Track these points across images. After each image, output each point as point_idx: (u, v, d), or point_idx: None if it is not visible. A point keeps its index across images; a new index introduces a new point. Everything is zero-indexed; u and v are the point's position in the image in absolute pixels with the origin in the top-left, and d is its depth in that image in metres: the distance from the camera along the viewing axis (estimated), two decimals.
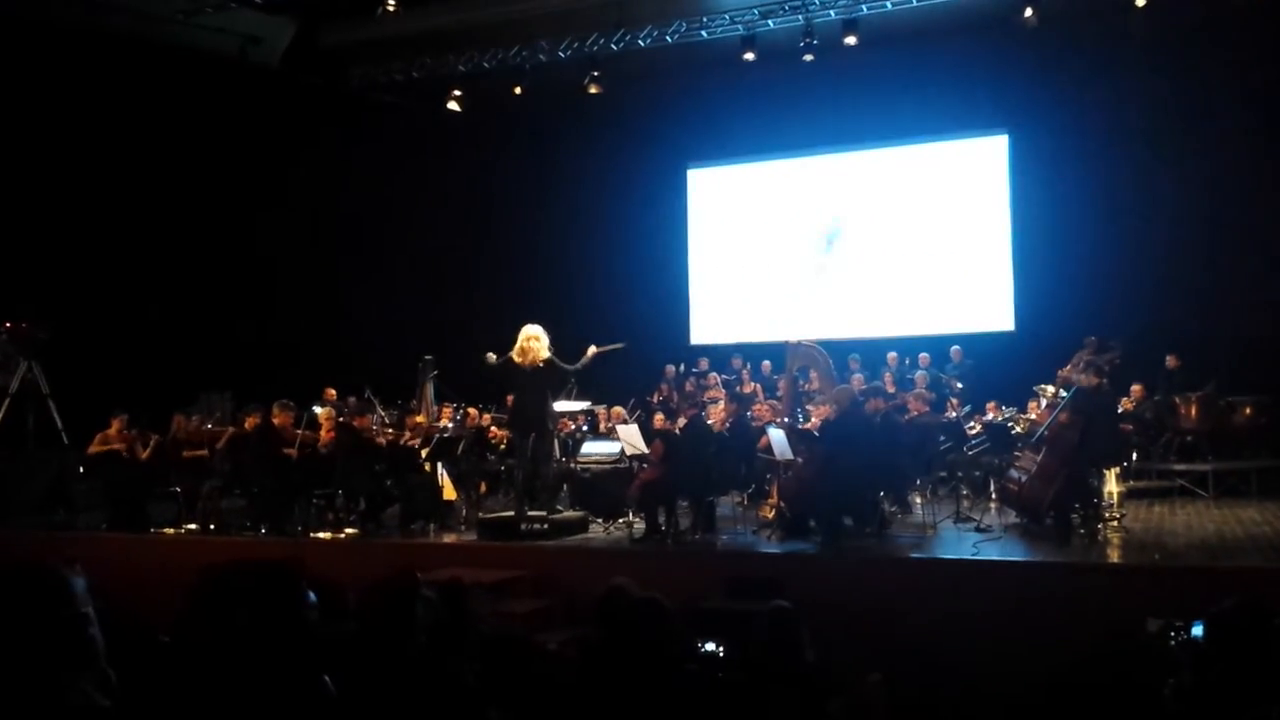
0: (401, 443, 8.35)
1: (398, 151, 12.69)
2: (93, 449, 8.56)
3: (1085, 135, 10.79)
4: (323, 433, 8.30)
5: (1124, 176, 10.60)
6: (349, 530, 7.84)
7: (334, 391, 9.87)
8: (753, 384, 10.81)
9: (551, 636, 5.17)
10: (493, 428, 9.24)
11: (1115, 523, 7.00)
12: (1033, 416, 8.11)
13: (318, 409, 8.79)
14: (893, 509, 7.73)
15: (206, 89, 10.99)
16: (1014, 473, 7.28)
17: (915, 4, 10.02)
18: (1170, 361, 9.60)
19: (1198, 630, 3.59)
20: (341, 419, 8.42)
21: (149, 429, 8.70)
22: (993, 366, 10.37)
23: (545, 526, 7.14)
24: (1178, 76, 10.17)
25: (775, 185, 12.79)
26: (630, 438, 7.74)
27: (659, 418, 9.07)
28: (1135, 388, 9.15)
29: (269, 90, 11.50)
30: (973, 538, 6.76)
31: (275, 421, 8.13)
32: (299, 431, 8.11)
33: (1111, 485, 7.51)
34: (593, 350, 7.46)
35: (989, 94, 11.25)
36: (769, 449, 7.27)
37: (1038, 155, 11.27)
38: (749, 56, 10.54)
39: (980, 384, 9.95)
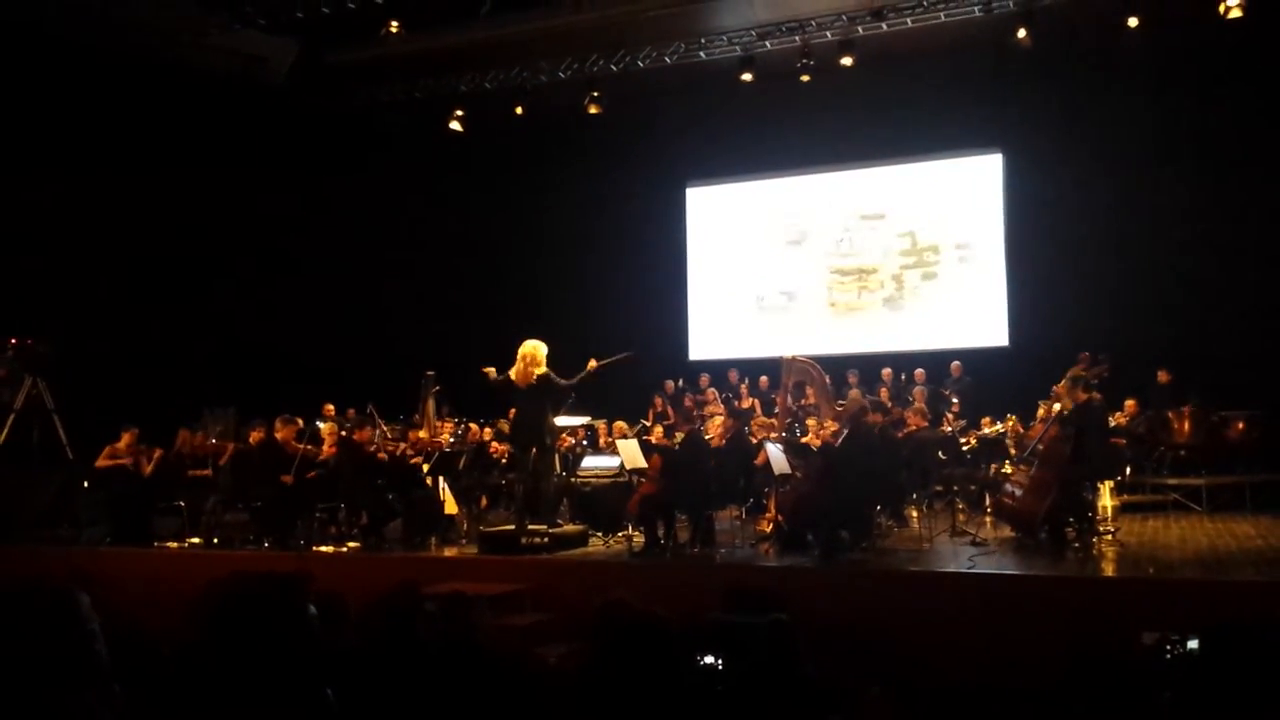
0: (402, 456, 8.41)
1: (400, 170, 12.81)
2: (101, 462, 8.61)
3: (1078, 154, 10.91)
4: (325, 447, 8.37)
5: (1116, 194, 10.71)
6: (351, 544, 7.89)
7: (332, 407, 9.95)
8: (750, 399, 10.88)
9: (551, 650, 5.21)
10: (493, 443, 9.31)
11: (1109, 537, 7.05)
12: (1017, 430, 8.19)
13: (321, 424, 8.87)
14: (889, 523, 7.78)
15: (211, 107, 11.12)
16: (1009, 487, 7.34)
17: (910, 25, 10.17)
18: (1161, 376, 9.67)
19: (1193, 644, 3.63)
20: (343, 434, 8.49)
21: (154, 444, 8.76)
22: (988, 382, 10.45)
23: (545, 540, 7.18)
24: (1169, 95, 10.30)
25: (773, 203, 12.91)
26: (630, 453, 7.80)
27: (658, 432, 9.13)
28: (1128, 402, 9.22)
29: (273, 109, 11.63)
30: (968, 551, 6.80)
31: (278, 436, 8.20)
32: (301, 446, 8.18)
33: (1106, 499, 7.57)
34: (593, 364, 7.49)
35: (983, 113, 11.39)
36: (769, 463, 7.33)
37: (1031, 174, 11.39)
38: (747, 77, 10.69)
39: (976, 399, 10.03)
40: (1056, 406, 7.87)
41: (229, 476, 8.37)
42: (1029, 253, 11.33)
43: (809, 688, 3.70)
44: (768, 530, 7.37)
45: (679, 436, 8.62)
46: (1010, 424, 8.52)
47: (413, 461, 8.35)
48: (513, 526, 7.47)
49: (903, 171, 12.23)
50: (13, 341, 9.86)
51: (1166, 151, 10.34)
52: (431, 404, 9.50)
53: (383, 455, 8.29)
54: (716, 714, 3.27)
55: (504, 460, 9.10)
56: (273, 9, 10.18)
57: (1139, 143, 10.49)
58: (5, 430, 9.62)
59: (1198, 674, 3.06)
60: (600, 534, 7.86)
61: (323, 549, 7.75)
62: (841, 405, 8.79)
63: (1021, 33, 9.52)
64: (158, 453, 8.71)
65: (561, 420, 8.05)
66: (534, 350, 7.37)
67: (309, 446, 8.24)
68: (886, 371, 10.77)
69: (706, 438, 7.92)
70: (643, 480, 7.66)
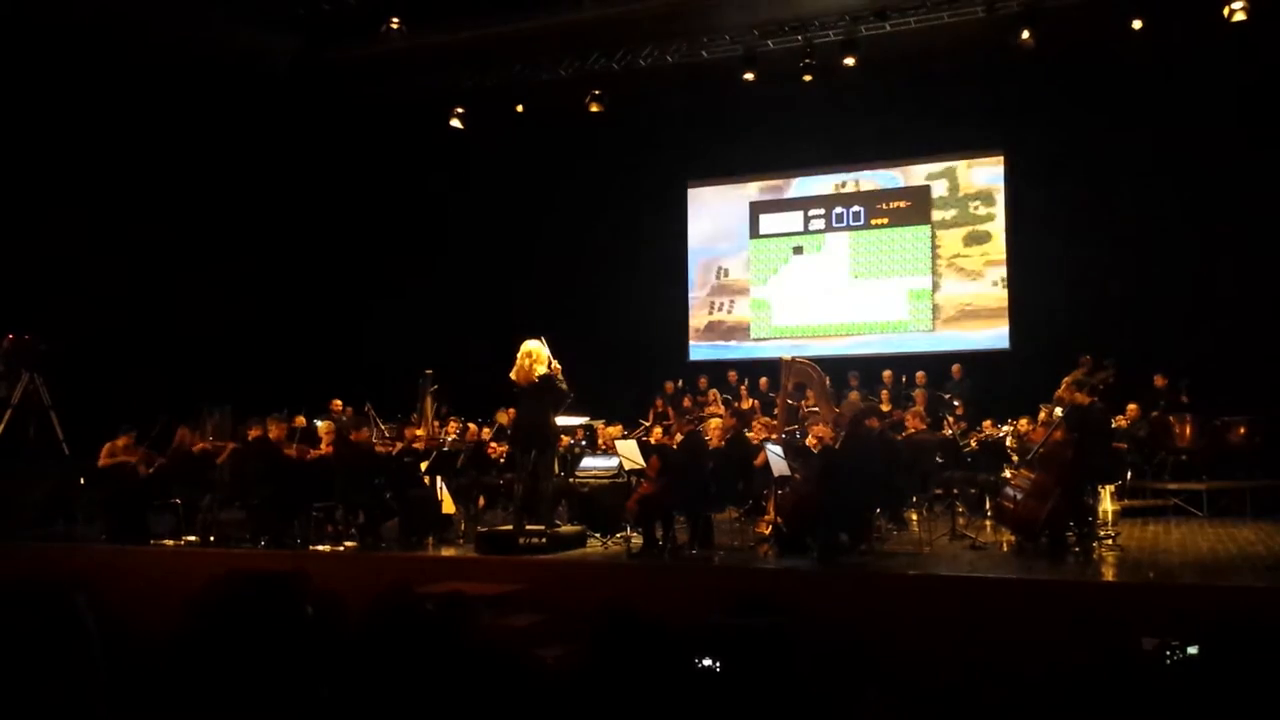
0: (400, 455, 8.39)
1: (399, 168, 12.79)
2: (103, 461, 8.58)
3: (1080, 155, 10.90)
4: (321, 446, 8.34)
5: (1119, 196, 10.71)
6: (348, 543, 7.86)
7: (340, 403, 9.91)
8: (750, 400, 10.86)
9: (549, 650, 5.19)
10: (491, 442, 9.28)
11: (1110, 541, 7.03)
12: (1023, 431, 8.17)
13: (319, 422, 8.84)
14: (888, 526, 7.76)
15: (212, 102, 11.10)
16: (1009, 490, 7.32)
17: (913, 25, 10.15)
18: (1158, 381, 9.66)
19: (1194, 649, 3.62)
20: (340, 432, 8.46)
21: (152, 446, 8.71)
22: (989, 385, 10.43)
23: (543, 541, 7.15)
24: (1171, 98, 10.29)
25: (772, 202, 12.88)
26: (629, 453, 7.77)
27: (657, 432, 9.11)
28: (1130, 406, 9.21)
29: (274, 104, 11.61)
30: (968, 555, 6.78)
31: (271, 435, 8.18)
32: (294, 445, 8.16)
33: (1106, 504, 7.55)
34: (556, 367, 7.42)
35: (985, 114, 11.38)
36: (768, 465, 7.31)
37: (1033, 175, 11.38)
38: (749, 76, 10.67)
39: (977, 402, 10.00)
40: (1058, 411, 7.85)
41: (227, 474, 8.34)
42: (1030, 254, 11.32)
43: (807, 690, 3.68)
44: (766, 532, 7.34)
45: (678, 437, 8.59)
46: (1018, 426, 8.48)
47: (416, 447, 8.33)
48: (510, 527, 7.45)
49: (904, 172, 12.19)
50: (10, 337, 9.85)
51: (1168, 154, 10.32)
52: (430, 403, 9.48)
53: (380, 449, 8.27)
54: (714, 716, 3.25)
55: (502, 460, 9.07)
56: (274, 4, 10.15)
57: (1141, 145, 10.47)
58: (2, 426, 9.60)
59: (1198, 679, 3.05)
60: (598, 535, 7.84)
61: (319, 548, 7.73)
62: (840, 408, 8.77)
63: (1025, 34, 9.50)
64: (159, 460, 8.66)
65: (561, 420, 8.02)
66: (535, 349, 7.33)
67: (301, 445, 8.22)
68: (887, 374, 10.74)
69: (705, 438, 7.89)
70: (641, 481, 7.64)
